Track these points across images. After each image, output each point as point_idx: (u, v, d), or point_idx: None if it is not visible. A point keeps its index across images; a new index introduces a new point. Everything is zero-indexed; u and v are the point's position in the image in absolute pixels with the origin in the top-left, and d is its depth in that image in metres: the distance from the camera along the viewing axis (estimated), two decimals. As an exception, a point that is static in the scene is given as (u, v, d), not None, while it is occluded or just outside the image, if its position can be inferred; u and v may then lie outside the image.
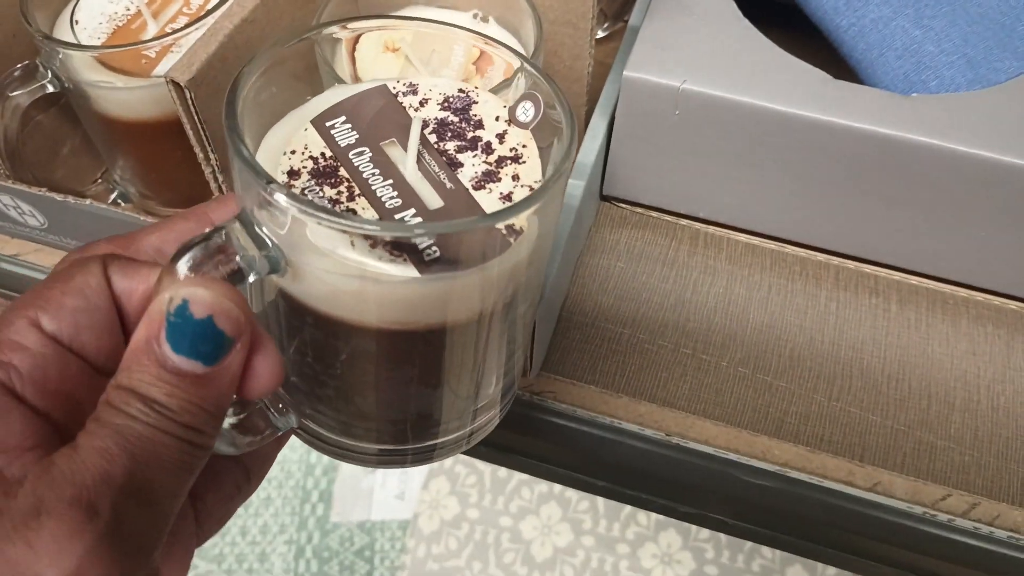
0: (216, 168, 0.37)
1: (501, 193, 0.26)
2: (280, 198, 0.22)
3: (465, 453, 0.46)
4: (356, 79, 0.35)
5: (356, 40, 0.40)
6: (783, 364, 0.41)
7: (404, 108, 0.28)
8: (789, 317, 0.43)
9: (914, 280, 0.44)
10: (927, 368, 0.41)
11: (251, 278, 0.23)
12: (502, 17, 0.41)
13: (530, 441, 0.43)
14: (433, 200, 0.25)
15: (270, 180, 0.22)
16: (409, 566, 1.14)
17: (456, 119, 0.28)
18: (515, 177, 0.27)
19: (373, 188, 0.25)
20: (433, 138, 0.27)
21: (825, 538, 0.41)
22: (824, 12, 0.41)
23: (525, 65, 0.28)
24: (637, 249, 0.45)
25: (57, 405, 0.23)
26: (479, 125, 0.28)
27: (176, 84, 0.33)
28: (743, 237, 0.45)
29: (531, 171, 0.27)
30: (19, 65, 0.40)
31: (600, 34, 0.53)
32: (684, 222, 0.46)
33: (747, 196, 0.43)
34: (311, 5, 0.40)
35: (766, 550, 1.14)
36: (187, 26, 0.39)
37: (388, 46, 0.35)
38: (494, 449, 0.45)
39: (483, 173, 0.27)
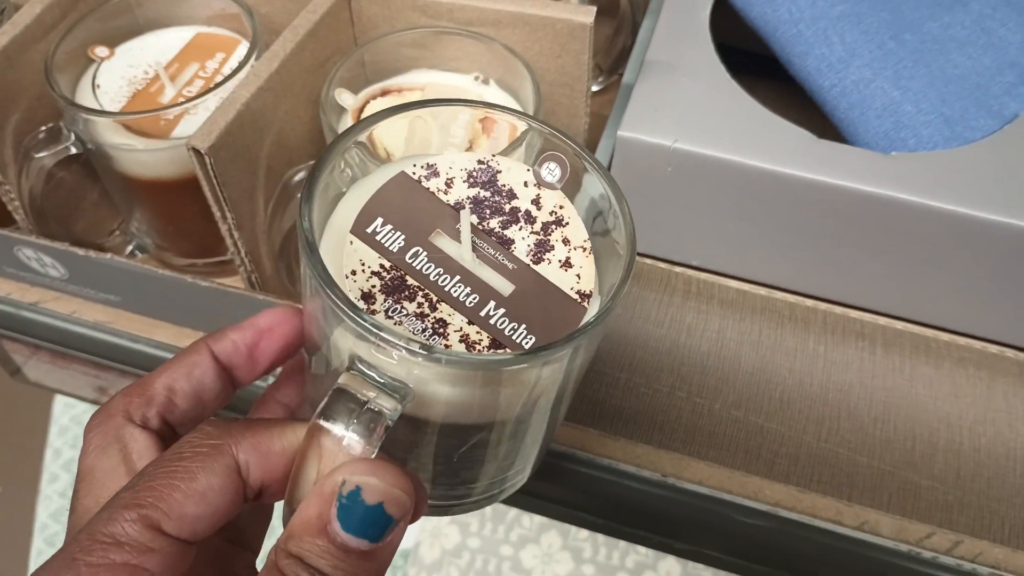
0: (232, 226, 0.39)
1: (560, 261, 0.27)
2: (423, 359, 0.22)
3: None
4: (371, 142, 0.36)
5: (363, 105, 0.42)
6: (774, 406, 0.43)
7: (433, 194, 0.28)
8: (779, 360, 0.44)
9: (898, 324, 0.46)
10: (911, 410, 0.43)
11: (390, 417, 0.23)
12: (502, 80, 0.43)
13: (532, 481, 0.45)
14: (503, 286, 0.26)
15: (420, 343, 0.22)
16: (411, 595, 1.15)
17: (488, 194, 0.28)
18: (565, 241, 0.27)
19: (447, 290, 0.25)
20: (475, 219, 0.27)
21: (815, 574, 0.42)
22: (808, 73, 0.43)
23: (535, 125, 0.29)
24: (633, 295, 0.47)
25: None
26: (512, 195, 0.28)
27: (196, 151, 0.36)
28: (734, 283, 0.47)
29: (577, 231, 0.28)
30: (43, 128, 0.42)
31: (595, 88, 0.55)
32: (678, 269, 0.48)
33: (738, 246, 0.45)
34: (321, 71, 0.42)
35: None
36: (203, 91, 0.41)
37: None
38: (497, 489, 0.46)
39: (535, 244, 0.27)
